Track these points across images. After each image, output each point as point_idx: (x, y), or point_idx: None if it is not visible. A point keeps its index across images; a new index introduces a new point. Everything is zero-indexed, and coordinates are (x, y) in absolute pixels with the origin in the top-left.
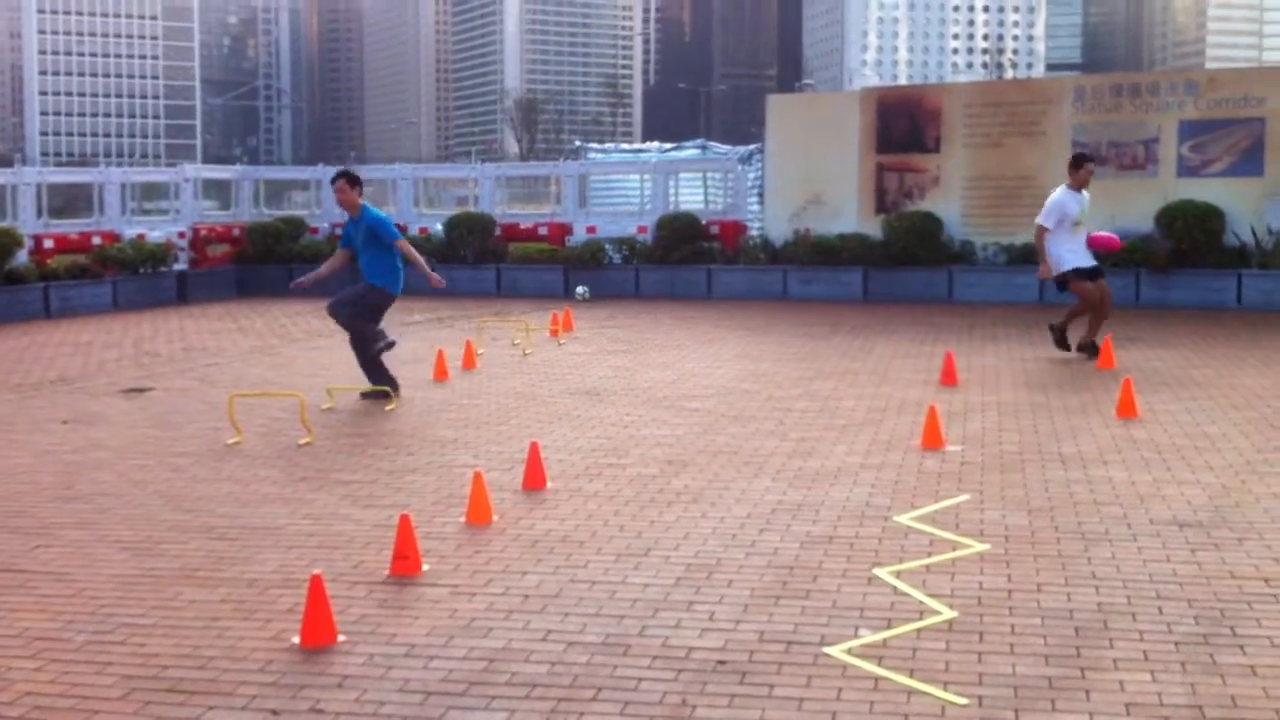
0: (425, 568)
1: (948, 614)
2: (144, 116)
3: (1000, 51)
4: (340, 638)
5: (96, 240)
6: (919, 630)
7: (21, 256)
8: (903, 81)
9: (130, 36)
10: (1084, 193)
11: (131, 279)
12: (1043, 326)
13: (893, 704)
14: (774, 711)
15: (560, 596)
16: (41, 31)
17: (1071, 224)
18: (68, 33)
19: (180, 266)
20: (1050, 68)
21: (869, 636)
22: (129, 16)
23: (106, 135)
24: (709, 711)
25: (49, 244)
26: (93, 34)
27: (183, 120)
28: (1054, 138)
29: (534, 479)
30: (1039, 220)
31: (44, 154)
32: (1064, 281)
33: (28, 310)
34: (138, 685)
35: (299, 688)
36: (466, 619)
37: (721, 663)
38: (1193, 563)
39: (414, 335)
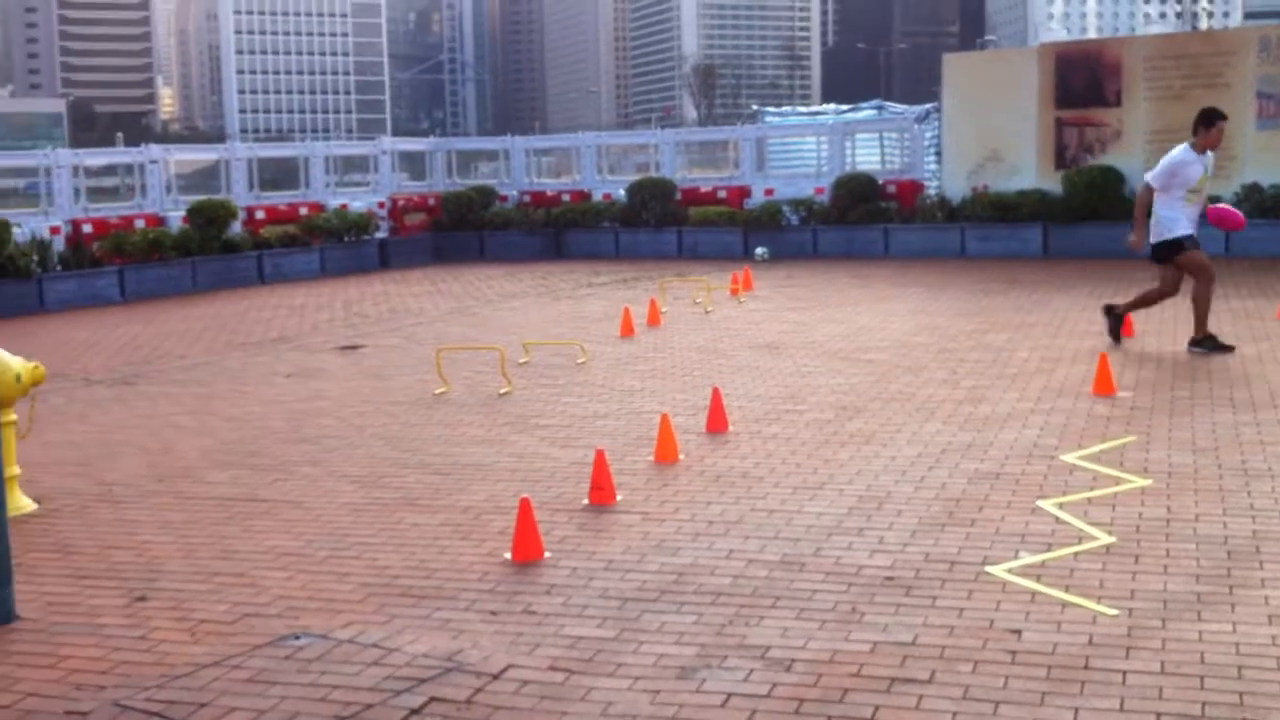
0: (619, 498)
1: (1105, 539)
2: (335, 92)
3: (1194, 1)
4: (546, 554)
5: (303, 211)
6: (1077, 553)
7: (235, 227)
8: (1091, 35)
9: (321, 14)
10: (1209, 155)
11: (337, 247)
12: (1227, 280)
13: (1046, 614)
14: (936, 618)
15: (741, 523)
16: (237, 12)
17: (1187, 190)
18: (262, 13)
19: (381, 234)
20: (1248, 16)
21: (1029, 558)
22: None
23: (300, 111)
24: (876, 617)
25: (260, 215)
26: (285, 13)
27: (372, 95)
28: (1238, 89)
29: (716, 422)
30: (1147, 178)
31: (242, 130)
32: (1167, 252)
33: (244, 277)
34: (374, 591)
35: (513, 593)
36: (657, 540)
37: (889, 579)
38: None
39: (600, 295)
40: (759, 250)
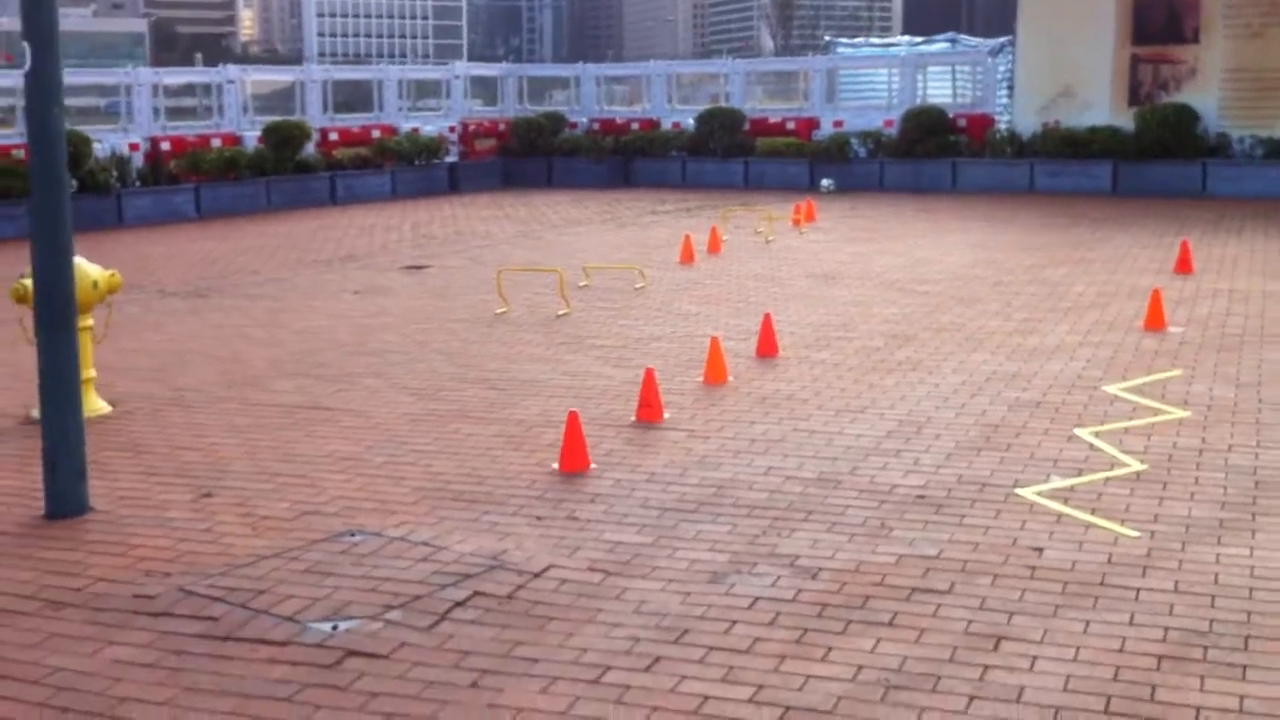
0: (666, 416)
1: (1136, 466)
2: (412, 17)
3: None
4: (592, 466)
5: (376, 134)
6: (1106, 479)
7: (309, 148)
8: None
9: None
10: None
11: (408, 169)
12: None
13: (1069, 534)
14: (961, 535)
15: (783, 441)
16: None
17: None
18: None
19: (451, 159)
20: None
21: (1058, 482)
22: None
23: (378, 35)
24: (904, 533)
25: (334, 136)
26: None
27: (449, 21)
28: None
29: (767, 347)
30: None
31: (321, 54)
32: None
33: (316, 197)
34: (427, 494)
35: (558, 501)
36: (699, 456)
37: (920, 497)
38: None
39: (663, 223)
40: (824, 182)
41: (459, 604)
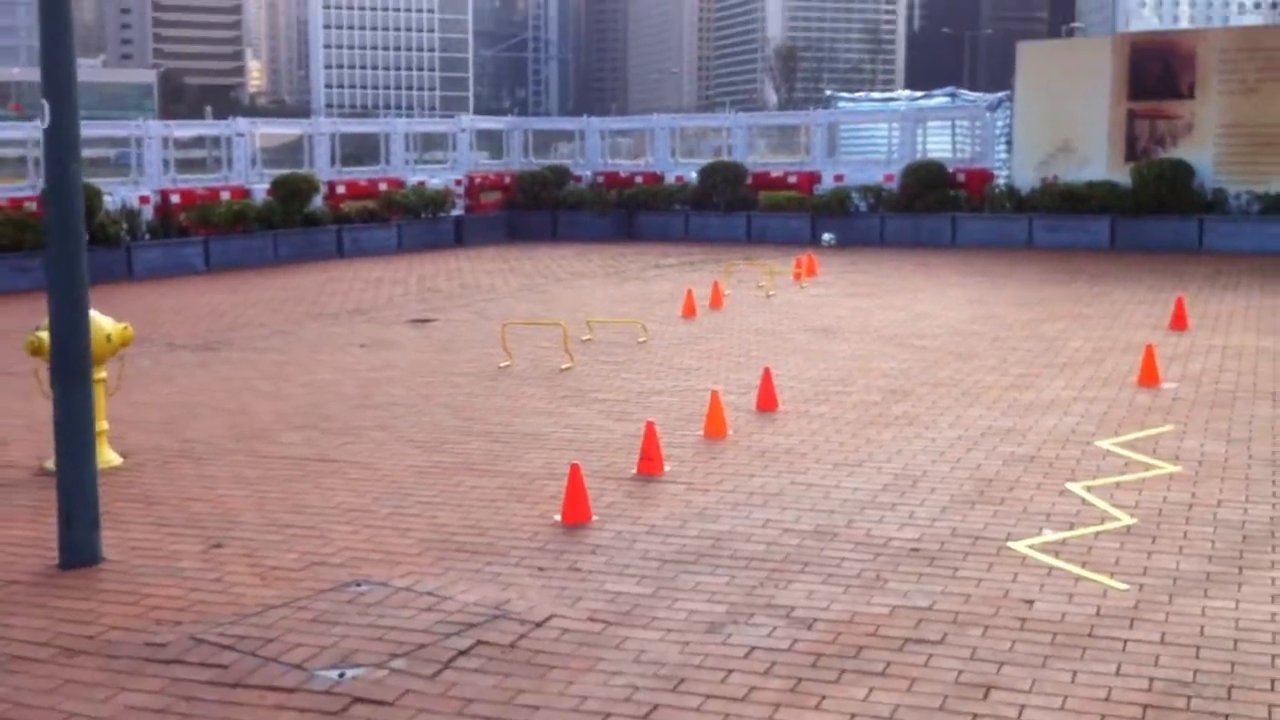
0: (666, 469)
1: (1127, 520)
2: (419, 69)
3: None
4: (593, 518)
5: (383, 186)
6: (1097, 533)
7: (317, 201)
8: (1184, 24)
9: None
10: None
11: (414, 223)
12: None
13: (1060, 587)
14: (954, 587)
15: (781, 494)
16: None
17: None
18: None
19: (457, 212)
20: None
21: (1050, 535)
22: None
23: (385, 88)
24: (898, 585)
25: (341, 189)
26: None
27: (456, 72)
28: None
29: (766, 401)
30: None
31: (328, 105)
32: None
33: (323, 250)
34: (431, 545)
35: (560, 552)
36: (699, 508)
37: (915, 550)
38: None
39: (666, 277)
40: (826, 236)
41: (462, 652)
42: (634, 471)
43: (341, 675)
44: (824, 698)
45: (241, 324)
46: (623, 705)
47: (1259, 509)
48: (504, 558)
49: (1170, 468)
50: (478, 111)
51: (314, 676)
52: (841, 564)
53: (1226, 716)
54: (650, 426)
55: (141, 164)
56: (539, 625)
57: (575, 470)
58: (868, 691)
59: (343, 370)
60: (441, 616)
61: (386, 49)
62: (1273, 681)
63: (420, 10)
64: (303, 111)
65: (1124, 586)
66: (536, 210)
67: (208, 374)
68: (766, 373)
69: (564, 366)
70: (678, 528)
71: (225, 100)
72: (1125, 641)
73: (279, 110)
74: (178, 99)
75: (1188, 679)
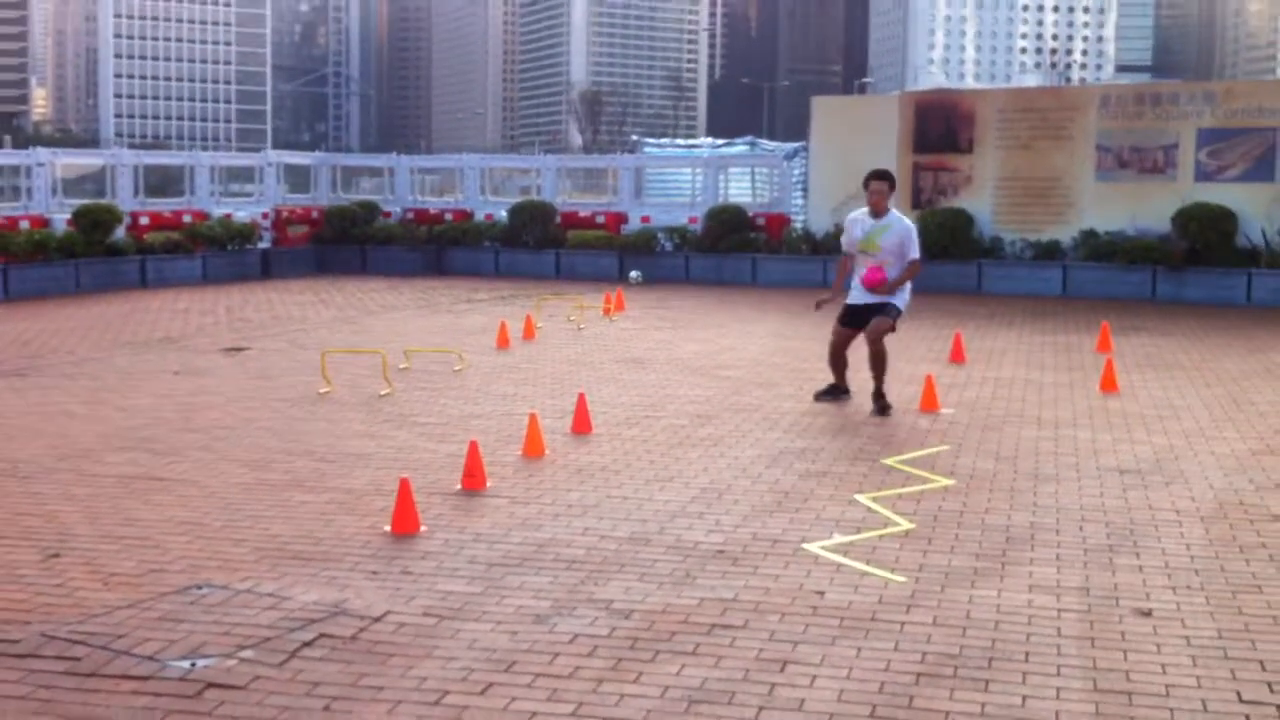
0: (489, 484)
1: (906, 525)
2: (216, 101)
3: (1069, 53)
4: (422, 528)
5: (187, 218)
6: (880, 536)
7: (120, 232)
8: (969, 81)
9: (204, 22)
10: (875, 216)
11: (220, 255)
12: (1063, 317)
13: (848, 581)
14: (755, 582)
15: (598, 506)
16: (117, 15)
17: (856, 250)
18: (142, 17)
19: (264, 244)
20: (1120, 70)
21: (840, 538)
22: (203, 2)
23: (179, 119)
24: (705, 581)
25: (145, 220)
26: (167, 19)
27: (254, 105)
28: (1080, 142)
29: (581, 424)
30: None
31: (117, 135)
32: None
33: (127, 280)
34: (267, 554)
35: (392, 558)
36: (522, 519)
37: (720, 552)
38: (1121, 498)
39: (478, 310)
40: (633, 273)
41: (307, 644)
42: (458, 487)
43: (193, 665)
44: (641, 674)
45: (49, 351)
46: (460, 684)
47: (1020, 515)
48: (338, 564)
49: (945, 481)
50: (276, 145)
51: (167, 666)
52: (655, 565)
53: (987, 681)
54: (474, 444)
55: None
56: (377, 620)
57: (405, 483)
58: (680, 667)
59: (160, 396)
60: (284, 614)
61: (181, 80)
62: (1027, 654)
63: (217, 42)
64: (90, 141)
65: (903, 579)
66: (346, 245)
67: (19, 399)
68: (581, 398)
69: (383, 392)
70: (503, 535)
71: (8, 127)
72: (903, 624)
73: (65, 139)
74: None
75: (955, 653)
